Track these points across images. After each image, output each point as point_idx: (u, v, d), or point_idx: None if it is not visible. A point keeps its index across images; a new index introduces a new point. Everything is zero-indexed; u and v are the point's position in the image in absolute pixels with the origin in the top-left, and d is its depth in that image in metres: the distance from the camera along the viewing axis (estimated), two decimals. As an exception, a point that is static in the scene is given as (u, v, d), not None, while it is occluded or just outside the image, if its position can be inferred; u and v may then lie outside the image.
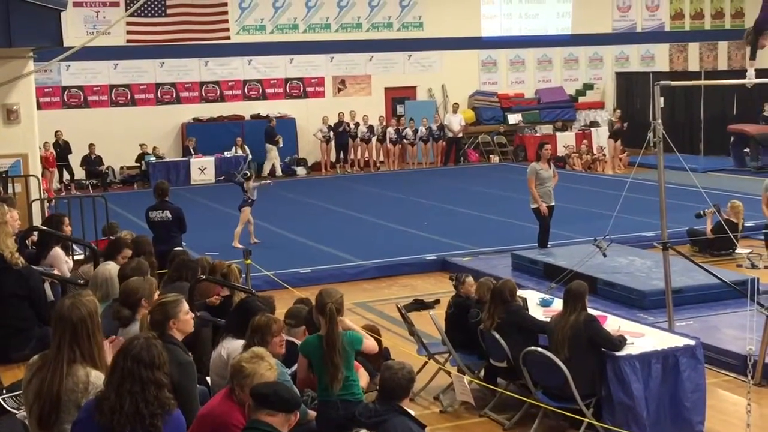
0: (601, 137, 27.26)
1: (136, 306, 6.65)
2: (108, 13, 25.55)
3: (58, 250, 10.49)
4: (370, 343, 6.52)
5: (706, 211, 14.05)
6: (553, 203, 13.70)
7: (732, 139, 24.58)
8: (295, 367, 6.77)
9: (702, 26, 32.47)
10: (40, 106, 18.55)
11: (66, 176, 24.60)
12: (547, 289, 10.51)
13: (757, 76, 9.56)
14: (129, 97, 26.41)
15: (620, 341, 7.42)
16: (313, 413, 6.33)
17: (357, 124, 27.08)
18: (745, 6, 32.64)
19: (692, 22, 32.38)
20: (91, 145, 24.74)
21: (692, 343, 7.62)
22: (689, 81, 27.38)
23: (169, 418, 4.38)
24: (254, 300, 7.55)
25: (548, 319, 7.90)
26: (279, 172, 26.12)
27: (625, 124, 24.87)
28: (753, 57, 9.41)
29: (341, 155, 27.18)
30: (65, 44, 13.18)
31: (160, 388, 4.37)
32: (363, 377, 6.69)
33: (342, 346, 6.26)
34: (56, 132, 24.17)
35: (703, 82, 26.59)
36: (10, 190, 13.28)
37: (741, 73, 10.97)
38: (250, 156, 25.72)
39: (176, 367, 5.06)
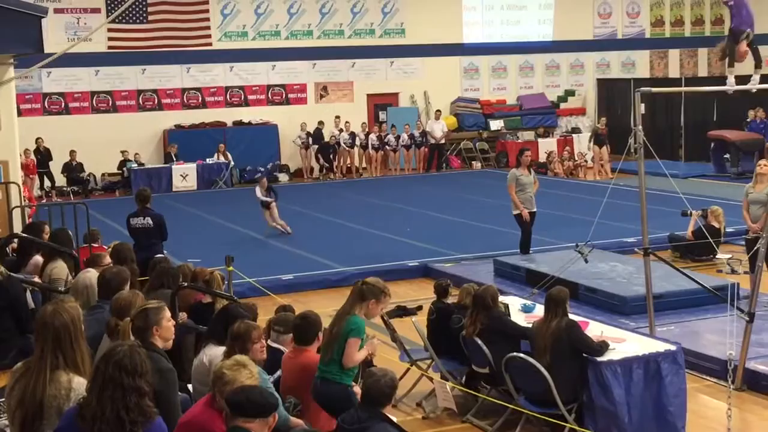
0: (582, 143, 27.36)
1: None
2: (89, 20, 25.46)
3: (38, 258, 10.44)
4: (352, 354, 6.42)
5: (692, 211, 14.05)
6: (534, 209, 13.75)
7: (712, 145, 24.70)
8: (277, 374, 6.76)
9: (682, 33, 32.67)
10: (20, 113, 18.42)
11: (47, 183, 24.49)
12: (529, 295, 10.55)
13: (736, 83, 9.65)
14: (110, 104, 26.31)
15: (602, 347, 7.44)
16: (296, 420, 6.31)
17: (340, 131, 27.05)
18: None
19: (672, 29, 32.57)
20: (72, 152, 24.63)
21: (673, 348, 7.66)
22: (670, 87, 27.57)
23: (150, 426, 4.36)
24: (236, 307, 7.54)
25: (530, 325, 7.92)
26: (316, 173, 27.06)
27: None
28: (731, 65, 9.50)
29: (320, 160, 26.99)
30: (46, 51, 13.09)
31: (141, 396, 4.34)
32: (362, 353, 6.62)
33: (342, 325, 6.48)
34: (37, 139, 24.06)
35: (683, 89, 26.69)
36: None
37: (721, 80, 11.05)
38: (232, 163, 25.67)
39: (157, 374, 5.04)
